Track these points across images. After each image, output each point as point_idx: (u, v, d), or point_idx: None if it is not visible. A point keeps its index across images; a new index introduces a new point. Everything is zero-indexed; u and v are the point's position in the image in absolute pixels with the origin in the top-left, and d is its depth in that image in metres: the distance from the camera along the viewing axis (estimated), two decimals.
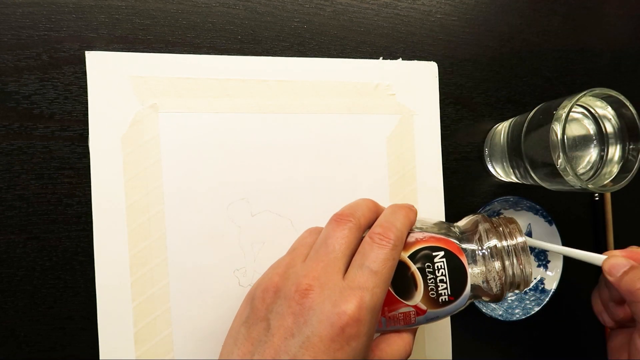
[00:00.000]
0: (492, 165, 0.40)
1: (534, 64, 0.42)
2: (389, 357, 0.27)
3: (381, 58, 0.38)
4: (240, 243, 0.35)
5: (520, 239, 0.29)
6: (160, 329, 0.33)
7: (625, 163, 0.34)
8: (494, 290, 0.29)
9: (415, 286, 0.28)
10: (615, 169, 0.34)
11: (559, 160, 0.31)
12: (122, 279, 0.33)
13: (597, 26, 0.44)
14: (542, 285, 0.41)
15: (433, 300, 0.28)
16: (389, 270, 0.26)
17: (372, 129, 0.38)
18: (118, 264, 0.33)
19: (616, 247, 0.43)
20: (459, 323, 0.39)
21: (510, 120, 0.38)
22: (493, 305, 0.40)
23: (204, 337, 0.34)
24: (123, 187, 0.33)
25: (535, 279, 0.41)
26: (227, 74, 0.35)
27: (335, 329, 0.23)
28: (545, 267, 0.41)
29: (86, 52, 0.33)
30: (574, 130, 0.36)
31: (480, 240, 0.29)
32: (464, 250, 0.29)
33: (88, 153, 0.33)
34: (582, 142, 0.36)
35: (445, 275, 0.28)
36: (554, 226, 0.40)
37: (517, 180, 0.38)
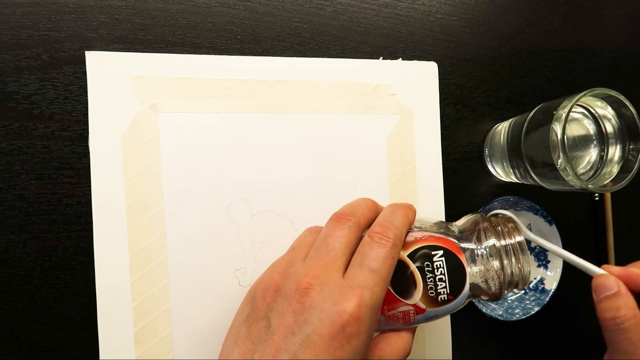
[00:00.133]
0: (492, 165, 0.40)
1: (534, 64, 0.42)
2: (388, 356, 0.28)
3: (381, 58, 0.38)
4: (240, 243, 0.35)
5: (519, 238, 0.29)
6: (160, 329, 0.33)
7: (625, 163, 0.34)
8: (493, 289, 0.29)
9: (415, 285, 0.28)
10: (615, 169, 0.34)
11: (559, 160, 0.31)
12: (122, 279, 0.33)
13: (597, 26, 0.44)
14: (542, 285, 0.41)
15: (432, 299, 0.28)
16: (388, 268, 0.26)
17: (372, 129, 0.38)
18: (118, 264, 0.33)
19: (616, 247, 0.43)
20: (459, 323, 0.39)
21: (510, 120, 0.38)
22: (493, 305, 0.40)
23: (204, 337, 0.34)
24: (123, 187, 0.33)
25: (535, 279, 0.41)
26: (227, 74, 0.35)
27: (335, 328, 0.23)
28: (545, 267, 0.41)
29: (86, 52, 0.33)
30: (574, 130, 0.36)
31: (479, 239, 0.29)
32: (463, 249, 0.29)
33: (88, 153, 0.33)
34: (582, 142, 0.36)
35: (444, 274, 0.28)
36: (554, 226, 0.40)
37: (517, 180, 0.38)
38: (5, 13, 0.32)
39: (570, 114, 0.31)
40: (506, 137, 0.37)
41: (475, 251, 0.29)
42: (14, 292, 0.32)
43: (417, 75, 0.39)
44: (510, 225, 0.30)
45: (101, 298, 0.33)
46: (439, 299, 0.28)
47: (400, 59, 0.39)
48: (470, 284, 0.28)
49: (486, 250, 0.29)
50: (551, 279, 0.41)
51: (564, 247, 0.40)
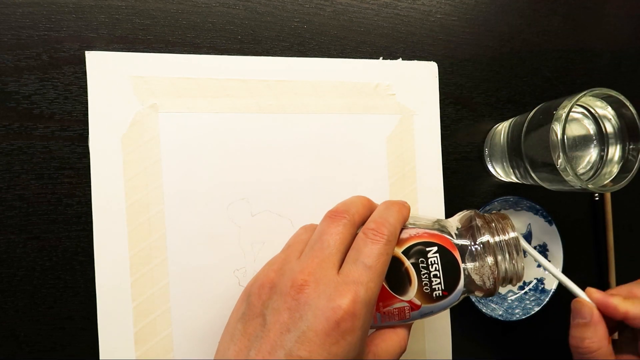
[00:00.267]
0: (492, 165, 0.40)
1: (534, 64, 0.42)
2: (384, 352, 0.28)
3: (381, 58, 0.38)
4: (240, 243, 0.35)
5: (513, 235, 0.30)
6: (160, 329, 0.33)
7: (625, 163, 0.34)
8: (487, 284, 0.29)
9: (410, 281, 0.28)
10: (615, 169, 0.34)
11: (559, 160, 0.31)
12: (122, 279, 0.33)
13: (597, 26, 0.44)
14: (542, 285, 0.41)
15: (427, 295, 0.28)
16: (382, 264, 0.26)
17: (372, 129, 0.38)
18: (118, 264, 0.33)
19: (616, 248, 0.43)
20: (459, 323, 0.39)
21: (510, 120, 0.38)
22: (493, 305, 0.40)
23: (204, 337, 0.34)
24: (123, 187, 0.33)
25: (535, 279, 0.41)
26: (227, 74, 0.35)
27: (330, 323, 0.24)
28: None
29: (86, 52, 0.33)
30: (574, 130, 0.36)
31: (473, 235, 0.29)
32: (457, 245, 0.29)
33: (88, 153, 0.33)
34: (582, 142, 0.36)
35: (438, 271, 0.28)
36: (554, 226, 0.40)
37: (517, 180, 0.38)
38: (5, 13, 0.32)
39: (570, 114, 0.31)
40: (506, 137, 0.37)
41: (470, 247, 0.29)
42: (14, 292, 0.32)
43: (417, 75, 0.39)
44: (505, 221, 0.30)
45: (101, 298, 0.33)
46: (434, 295, 0.28)
47: (400, 59, 0.39)
48: (464, 279, 0.29)
49: (480, 247, 0.29)
50: (551, 279, 0.41)
51: (564, 247, 0.40)
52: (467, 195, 0.40)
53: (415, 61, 0.39)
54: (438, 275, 0.28)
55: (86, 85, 0.33)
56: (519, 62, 0.42)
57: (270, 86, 0.36)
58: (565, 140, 0.31)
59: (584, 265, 0.43)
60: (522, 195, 0.40)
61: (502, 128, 0.39)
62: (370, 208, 0.30)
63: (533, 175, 0.35)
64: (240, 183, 0.35)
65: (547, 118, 0.32)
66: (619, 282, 0.43)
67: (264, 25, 0.36)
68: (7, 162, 0.32)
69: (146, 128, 0.34)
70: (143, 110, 0.34)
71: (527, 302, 0.40)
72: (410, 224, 0.30)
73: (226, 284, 0.34)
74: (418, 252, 0.28)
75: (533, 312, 0.39)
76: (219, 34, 0.36)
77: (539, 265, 0.41)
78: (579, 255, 0.43)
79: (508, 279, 0.30)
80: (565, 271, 0.40)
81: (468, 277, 0.29)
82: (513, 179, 0.39)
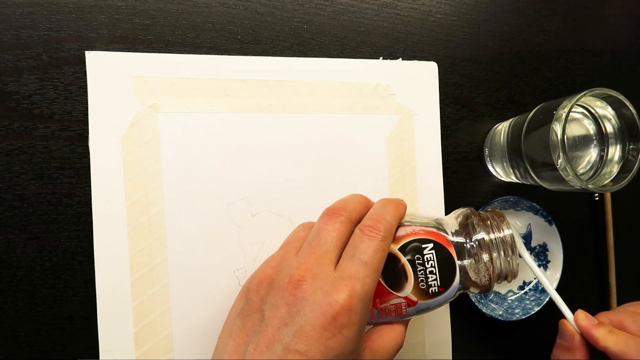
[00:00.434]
0: (492, 165, 0.40)
1: (534, 64, 0.42)
2: (381, 347, 0.28)
3: (381, 58, 0.38)
4: (240, 243, 0.35)
5: (508, 232, 0.30)
6: (160, 329, 0.33)
7: (625, 163, 0.34)
8: (483, 281, 0.29)
9: (406, 278, 0.28)
10: (615, 169, 0.34)
11: (559, 160, 0.31)
12: (122, 279, 0.33)
13: (597, 26, 0.44)
14: (542, 285, 0.41)
15: (423, 291, 0.29)
16: (379, 260, 0.27)
17: (372, 129, 0.38)
18: (118, 264, 0.33)
19: (616, 248, 0.43)
20: (459, 323, 0.39)
21: (510, 120, 0.38)
22: (493, 305, 0.40)
23: (203, 337, 0.34)
24: (123, 187, 0.33)
25: (535, 279, 0.41)
26: (227, 74, 0.35)
27: (327, 318, 0.24)
28: (545, 267, 0.41)
29: (86, 52, 0.33)
30: (574, 130, 0.36)
31: (468, 233, 0.30)
32: (453, 242, 0.29)
33: (88, 153, 0.33)
34: (582, 142, 0.36)
35: (434, 267, 0.29)
36: (554, 226, 0.40)
37: (517, 180, 0.38)
38: (5, 13, 0.32)
39: (570, 114, 0.31)
40: (506, 137, 0.37)
41: (465, 244, 0.29)
42: (14, 292, 0.32)
43: (417, 75, 0.39)
44: (500, 219, 0.31)
45: (101, 298, 0.33)
46: (430, 292, 0.29)
47: (400, 59, 0.39)
48: (460, 276, 0.29)
49: (475, 244, 0.29)
50: (551, 279, 0.41)
51: (564, 247, 0.40)
52: (467, 195, 0.40)
53: (415, 61, 0.39)
54: (434, 272, 0.29)
55: (86, 85, 0.33)
56: (519, 62, 0.42)
57: (270, 86, 0.36)
58: (565, 140, 0.31)
59: (584, 265, 0.43)
60: (522, 195, 0.40)
61: (502, 128, 0.39)
62: (367, 206, 0.30)
63: (533, 175, 0.35)
64: (240, 183, 0.35)
65: (547, 118, 0.32)
66: (619, 282, 0.43)
67: (264, 25, 0.36)
68: (7, 162, 0.32)
69: (146, 128, 0.34)
70: (143, 110, 0.34)
71: (527, 302, 0.40)
72: (407, 221, 0.30)
73: (226, 284, 0.34)
74: (414, 248, 0.29)
75: (533, 312, 0.39)
76: (219, 34, 0.36)
77: (540, 265, 0.41)
78: (579, 255, 0.43)
79: (503, 276, 0.30)
80: (565, 271, 0.41)
81: (464, 274, 0.29)
82: (513, 179, 0.39)
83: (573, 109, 0.31)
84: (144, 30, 0.34)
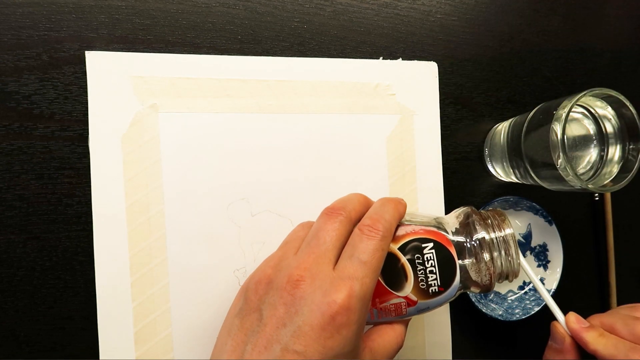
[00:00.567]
0: (492, 165, 0.40)
1: (534, 64, 0.42)
2: (380, 347, 0.28)
3: (381, 58, 0.38)
4: (240, 243, 0.35)
5: (508, 231, 0.30)
6: (160, 329, 0.33)
7: (625, 163, 0.34)
8: (483, 280, 0.29)
9: (406, 277, 0.28)
10: (615, 169, 0.34)
11: (559, 160, 0.31)
12: (122, 279, 0.33)
13: (597, 26, 0.44)
14: (535, 286, 0.41)
15: (423, 291, 0.28)
16: (378, 260, 0.27)
17: (372, 129, 0.38)
18: (118, 264, 0.33)
19: (616, 247, 0.43)
20: (459, 323, 0.39)
21: (510, 120, 0.38)
22: (493, 305, 0.40)
23: (203, 337, 0.34)
24: (123, 187, 0.33)
25: None
26: (227, 74, 0.35)
27: (325, 318, 0.24)
28: (545, 267, 0.41)
29: (86, 52, 0.33)
30: (574, 130, 0.36)
31: (469, 232, 0.30)
32: (453, 241, 0.29)
33: (88, 153, 0.33)
34: (582, 142, 0.36)
35: (434, 267, 0.28)
36: (554, 226, 0.40)
37: (517, 180, 0.38)
38: (5, 13, 0.32)
39: (570, 114, 0.31)
40: (506, 137, 0.37)
41: (465, 243, 0.29)
42: (14, 292, 0.32)
43: (417, 75, 0.39)
44: (500, 218, 0.30)
45: (101, 298, 0.33)
46: (430, 291, 0.29)
47: (400, 59, 0.39)
48: (460, 275, 0.29)
49: (476, 243, 0.29)
50: (551, 279, 0.41)
51: (564, 247, 0.40)
52: (467, 195, 0.40)
53: (415, 61, 0.39)
54: (434, 271, 0.28)
55: (86, 85, 0.33)
56: (519, 62, 0.42)
57: (270, 86, 0.36)
58: (565, 140, 0.31)
59: (584, 265, 0.43)
60: (522, 195, 0.40)
61: (502, 128, 0.39)
62: (366, 205, 0.30)
63: (533, 175, 0.35)
64: (240, 183, 0.35)
65: (547, 118, 0.32)
66: (619, 282, 0.43)
67: (264, 25, 0.36)
68: (7, 162, 0.32)
69: (146, 128, 0.34)
70: (143, 110, 0.34)
71: (527, 302, 0.40)
72: (407, 220, 0.30)
73: (226, 284, 0.34)
74: (414, 248, 0.29)
75: (533, 312, 0.39)
76: (219, 34, 0.36)
77: (539, 265, 0.41)
78: (579, 255, 0.43)
79: (504, 275, 0.30)
80: (565, 271, 0.41)
81: (464, 273, 0.29)
82: (513, 179, 0.39)
83: (573, 109, 0.31)
84: (144, 30, 0.34)
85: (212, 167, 0.35)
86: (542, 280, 0.41)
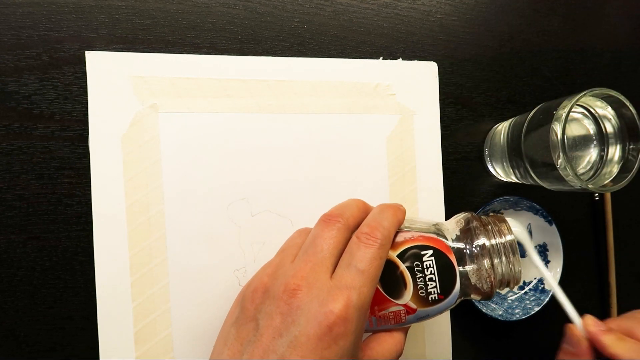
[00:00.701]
0: (492, 165, 0.40)
1: (534, 64, 0.42)
2: (379, 356, 0.28)
3: (381, 58, 0.38)
4: (240, 243, 0.35)
5: (509, 237, 0.29)
6: (160, 329, 0.33)
7: (625, 163, 0.34)
8: (484, 288, 0.29)
9: (405, 285, 0.28)
10: (615, 169, 0.34)
11: (559, 160, 0.31)
12: (122, 279, 0.33)
13: (597, 26, 0.44)
14: (542, 285, 0.41)
15: (423, 298, 0.28)
16: (375, 269, 0.26)
17: (372, 129, 0.38)
18: (118, 264, 0.33)
19: (616, 248, 0.43)
20: (459, 323, 0.39)
21: (510, 120, 0.38)
22: (493, 305, 0.40)
23: (203, 337, 0.34)
24: (123, 187, 0.33)
25: (535, 279, 0.41)
26: (227, 74, 0.35)
27: (322, 328, 0.24)
28: (545, 267, 0.41)
29: (86, 52, 0.33)
30: (574, 130, 0.36)
31: (469, 238, 0.29)
32: (453, 248, 0.29)
33: (88, 153, 0.33)
34: (582, 142, 0.36)
35: (434, 274, 0.28)
36: (554, 226, 0.40)
37: (517, 180, 0.38)
38: (5, 13, 0.32)
39: (570, 114, 0.31)
40: (506, 137, 0.37)
41: (466, 250, 0.29)
42: (14, 292, 0.32)
43: (417, 75, 0.39)
44: (501, 224, 0.30)
45: (101, 298, 0.33)
46: (430, 299, 0.28)
47: (400, 59, 0.39)
48: (460, 283, 0.28)
49: (476, 250, 0.29)
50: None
51: (564, 247, 0.40)
52: (467, 195, 0.40)
53: (415, 61, 0.39)
54: (434, 279, 0.28)
55: (86, 85, 0.33)
56: (519, 62, 0.42)
57: (270, 86, 0.36)
58: (565, 140, 0.31)
59: (584, 265, 0.43)
60: (522, 195, 0.40)
61: (502, 128, 0.39)
62: (365, 211, 0.30)
63: (533, 175, 0.35)
64: (240, 183, 0.35)
65: (547, 118, 0.32)
66: (619, 282, 0.43)
67: (264, 25, 0.36)
68: (7, 162, 0.32)
69: (146, 128, 0.34)
70: (143, 110, 0.34)
71: (527, 302, 0.40)
72: (406, 227, 0.30)
73: (226, 284, 0.34)
74: (413, 255, 0.28)
75: (533, 312, 0.39)
76: (219, 34, 0.36)
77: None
78: (579, 255, 0.43)
79: (505, 282, 0.30)
80: (565, 271, 0.41)
81: (464, 281, 0.29)
82: (513, 179, 0.39)
83: (573, 109, 0.31)
84: (144, 30, 0.34)
85: (212, 167, 0.35)
86: (542, 280, 0.41)
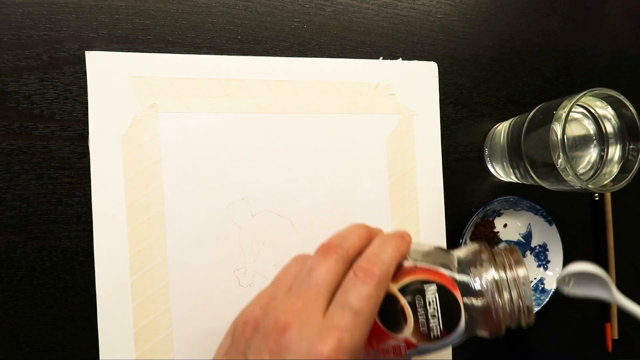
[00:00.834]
0: (492, 165, 0.40)
1: (534, 64, 0.42)
2: None
3: (381, 58, 0.38)
4: (240, 243, 0.35)
5: (521, 272, 0.27)
6: (160, 329, 0.33)
7: (625, 163, 0.34)
8: (492, 325, 0.27)
9: (405, 320, 0.26)
10: (615, 169, 0.34)
11: (559, 160, 0.31)
12: (122, 279, 0.33)
13: (597, 26, 0.44)
14: (542, 285, 0.41)
15: (424, 334, 0.27)
16: (371, 308, 0.25)
17: (372, 129, 0.38)
18: (118, 264, 0.33)
19: (616, 248, 0.43)
20: None
21: (510, 120, 0.38)
22: None
23: (204, 337, 0.34)
24: (123, 187, 0.33)
25: (535, 279, 0.41)
26: (227, 74, 0.35)
27: None
28: (545, 267, 0.41)
29: (86, 52, 0.33)
30: (574, 130, 0.36)
31: (478, 272, 0.28)
32: (459, 283, 0.27)
33: (88, 153, 0.33)
34: (582, 142, 0.36)
35: (436, 310, 0.26)
36: (554, 226, 0.40)
37: (517, 180, 0.38)
38: (5, 13, 0.32)
39: (570, 114, 0.31)
40: (506, 137, 0.37)
41: (473, 285, 0.27)
42: (14, 292, 0.32)
43: (417, 75, 0.39)
44: (513, 257, 0.28)
45: (101, 298, 0.33)
46: (432, 335, 0.27)
47: (400, 59, 0.39)
48: (466, 320, 0.27)
49: (485, 285, 0.27)
50: (551, 279, 0.41)
51: (564, 247, 0.40)
52: (467, 195, 0.40)
53: (415, 61, 0.39)
54: (436, 315, 0.26)
55: (86, 85, 0.33)
56: (519, 62, 0.42)
57: (270, 86, 0.36)
58: (565, 140, 0.31)
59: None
60: (522, 195, 0.40)
61: (502, 128, 0.39)
62: (367, 239, 0.28)
63: (533, 175, 0.35)
64: (240, 183, 0.35)
65: (547, 118, 0.32)
66: (619, 282, 0.43)
67: (264, 25, 0.36)
68: (7, 162, 0.32)
69: (146, 128, 0.34)
70: (143, 110, 0.34)
71: None
72: (410, 256, 0.28)
73: (226, 284, 0.34)
74: (415, 290, 0.27)
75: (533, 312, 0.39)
76: (219, 34, 0.36)
77: (539, 265, 0.41)
78: (579, 255, 0.43)
79: (515, 320, 0.28)
80: None
81: (470, 317, 0.27)
82: (513, 179, 0.39)
83: (573, 109, 0.31)
84: (144, 30, 0.34)
85: (212, 167, 0.35)
86: (542, 280, 0.41)
